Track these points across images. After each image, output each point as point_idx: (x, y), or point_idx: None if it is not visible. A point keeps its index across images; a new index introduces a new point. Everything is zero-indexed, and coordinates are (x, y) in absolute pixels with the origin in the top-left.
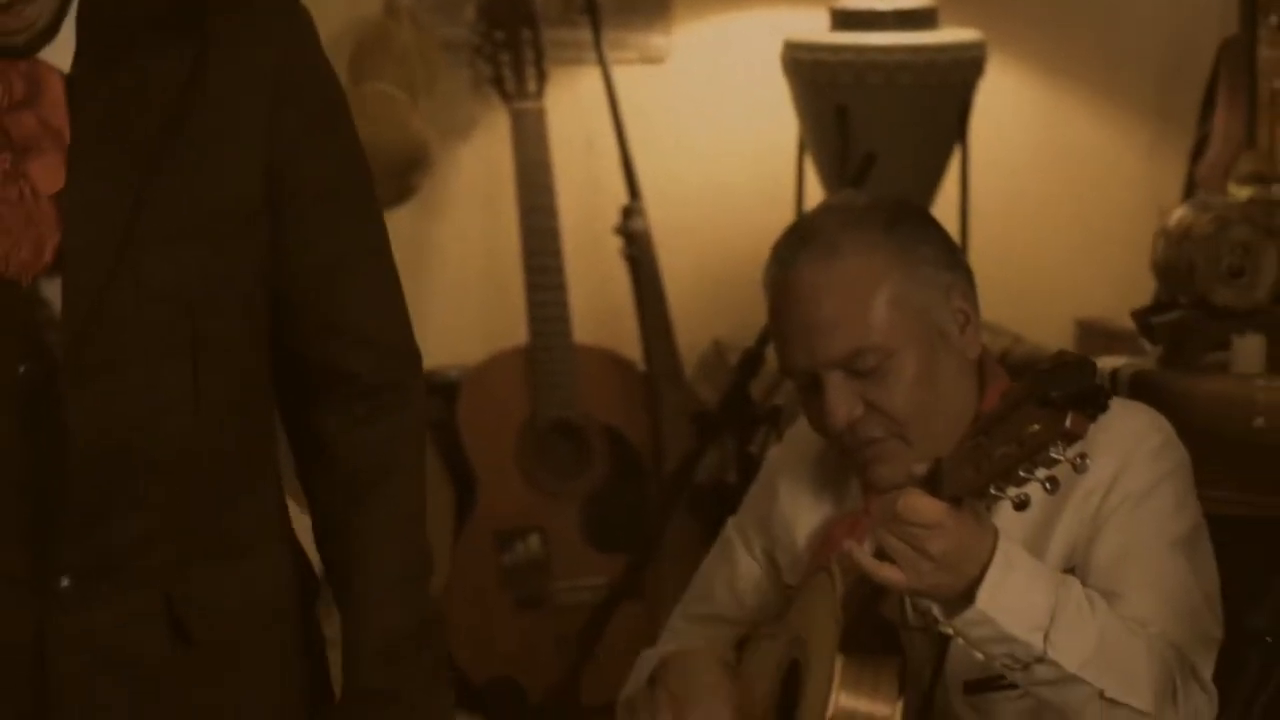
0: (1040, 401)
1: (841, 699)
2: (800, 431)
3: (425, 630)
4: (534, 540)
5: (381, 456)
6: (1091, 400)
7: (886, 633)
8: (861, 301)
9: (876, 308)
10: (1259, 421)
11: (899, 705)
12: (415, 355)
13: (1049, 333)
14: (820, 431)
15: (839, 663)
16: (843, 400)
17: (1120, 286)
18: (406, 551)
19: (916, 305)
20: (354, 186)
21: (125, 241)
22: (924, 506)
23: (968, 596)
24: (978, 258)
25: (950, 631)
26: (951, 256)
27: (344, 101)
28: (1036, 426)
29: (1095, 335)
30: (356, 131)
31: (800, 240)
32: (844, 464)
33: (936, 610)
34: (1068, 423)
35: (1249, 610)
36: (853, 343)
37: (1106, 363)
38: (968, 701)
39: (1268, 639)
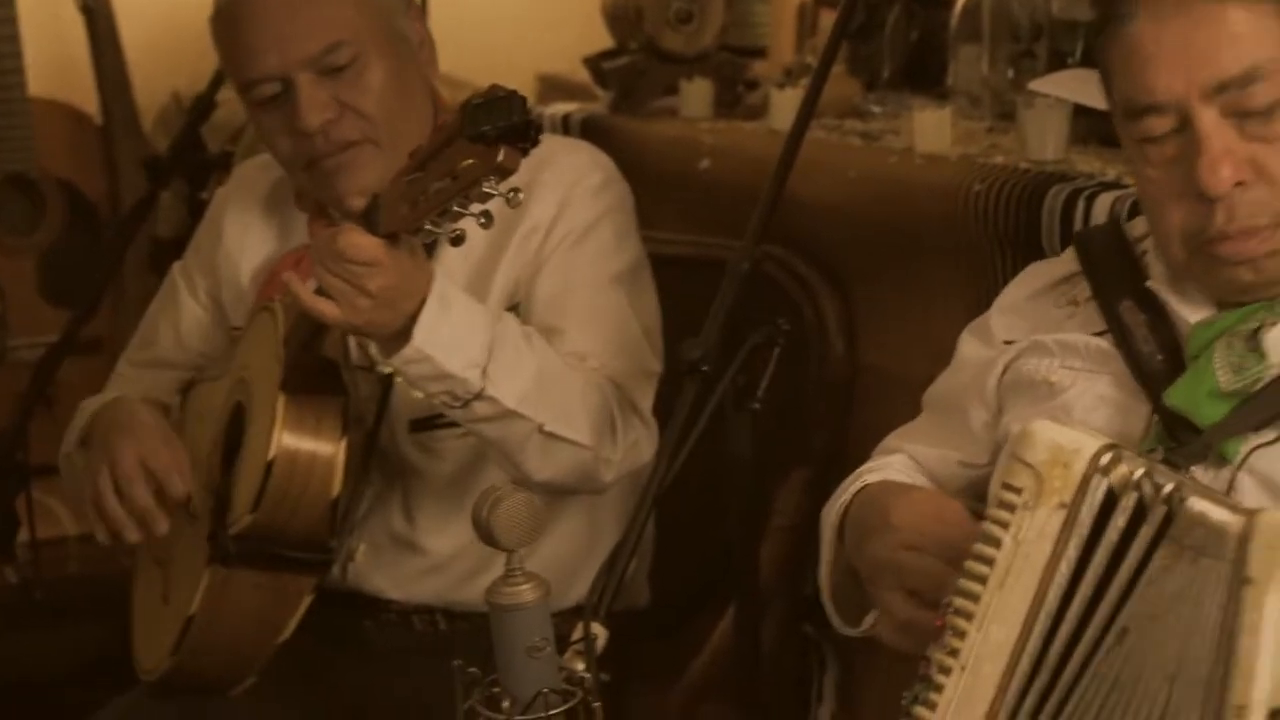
0: (473, 136)
1: (284, 439)
2: (247, 170)
3: None
4: None
5: None
6: (523, 134)
7: (330, 372)
8: (329, 4)
9: (345, 6)
10: (705, 163)
11: (342, 444)
12: None
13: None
14: (287, 147)
15: (281, 402)
16: (316, 100)
17: (580, 41)
18: None
19: (382, 8)
20: None
21: None
22: (361, 243)
23: (406, 334)
24: (438, 12)
25: (389, 370)
26: None
27: None
28: (470, 161)
29: (556, 89)
30: None
31: None
32: (290, 200)
33: (375, 349)
34: (500, 156)
35: (689, 343)
36: (326, 38)
37: (559, 109)
38: (413, 440)
39: (703, 368)
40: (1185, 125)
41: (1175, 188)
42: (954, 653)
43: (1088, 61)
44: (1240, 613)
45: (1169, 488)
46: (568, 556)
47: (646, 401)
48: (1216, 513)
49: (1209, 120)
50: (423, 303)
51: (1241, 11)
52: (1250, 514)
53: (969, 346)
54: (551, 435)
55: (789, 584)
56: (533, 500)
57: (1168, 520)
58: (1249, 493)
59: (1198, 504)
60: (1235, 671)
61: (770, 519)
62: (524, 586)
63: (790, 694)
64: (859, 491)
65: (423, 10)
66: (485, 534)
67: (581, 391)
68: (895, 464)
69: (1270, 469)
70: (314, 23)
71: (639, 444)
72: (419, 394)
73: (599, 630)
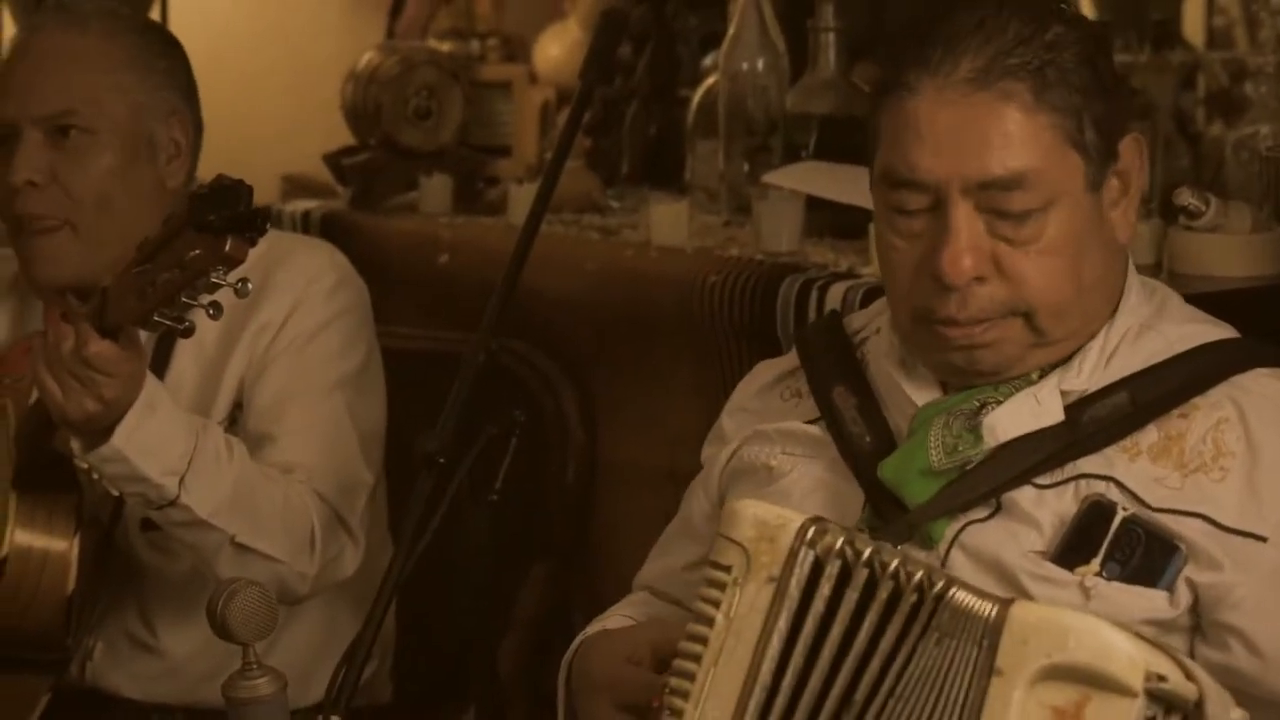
0: (199, 226)
1: (16, 536)
2: None
3: None
4: None
5: None
6: (249, 224)
7: (62, 468)
8: (85, 75)
9: (96, 85)
10: (444, 258)
11: (76, 540)
12: None
13: (256, 188)
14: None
15: (13, 499)
16: (30, 162)
17: (324, 141)
18: None
19: (136, 103)
20: None
21: None
22: (108, 354)
23: (108, 432)
24: None
25: (85, 466)
26: (188, 89)
27: None
28: (197, 251)
29: (300, 189)
30: None
31: (56, 7)
32: (29, 288)
33: (76, 444)
34: (227, 246)
35: (425, 436)
36: (63, 103)
37: (299, 206)
38: (146, 539)
39: (440, 460)
40: (938, 208)
41: (915, 261)
42: None
43: (821, 154)
44: (985, 703)
45: (868, 552)
46: (306, 653)
47: (354, 515)
48: (969, 599)
49: (963, 212)
50: (132, 404)
51: (1019, 115)
52: (1004, 604)
53: (706, 453)
54: (243, 547)
55: (530, 679)
56: (268, 594)
57: (872, 583)
58: (961, 568)
59: (955, 592)
60: None
61: (512, 613)
62: (260, 680)
63: None
64: (577, 648)
65: (193, 124)
66: (220, 628)
67: (281, 506)
68: (629, 605)
69: (980, 544)
70: (62, 88)
71: (340, 558)
72: (114, 492)
73: None
